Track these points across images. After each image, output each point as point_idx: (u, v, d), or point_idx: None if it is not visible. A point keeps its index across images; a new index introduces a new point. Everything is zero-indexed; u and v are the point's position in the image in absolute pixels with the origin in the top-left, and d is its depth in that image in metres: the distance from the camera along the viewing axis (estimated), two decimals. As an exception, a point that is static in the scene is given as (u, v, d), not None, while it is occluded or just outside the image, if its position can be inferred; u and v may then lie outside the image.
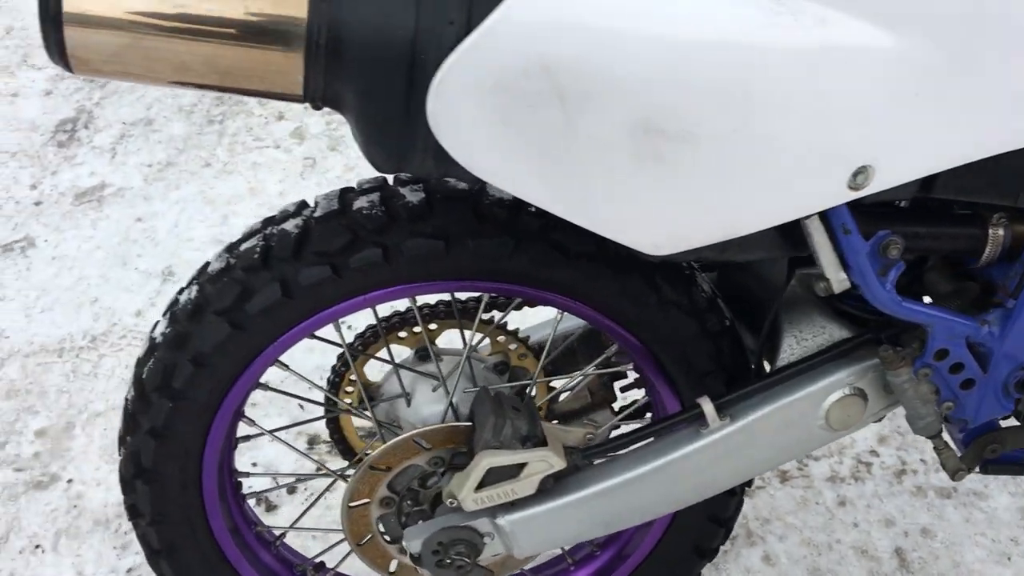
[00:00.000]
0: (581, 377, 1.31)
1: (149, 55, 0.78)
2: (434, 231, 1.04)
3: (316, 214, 1.06)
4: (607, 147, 0.79)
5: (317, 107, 0.85)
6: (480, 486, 1.09)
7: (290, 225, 1.06)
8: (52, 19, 0.74)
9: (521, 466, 1.08)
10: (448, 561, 1.15)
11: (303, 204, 1.10)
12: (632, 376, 1.33)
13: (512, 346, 1.30)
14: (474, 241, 1.04)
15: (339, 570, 1.35)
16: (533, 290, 1.10)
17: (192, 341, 1.07)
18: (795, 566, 1.55)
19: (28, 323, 2.04)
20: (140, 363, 1.11)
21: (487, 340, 1.28)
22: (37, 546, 1.65)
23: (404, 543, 1.16)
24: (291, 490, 1.69)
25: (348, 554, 1.32)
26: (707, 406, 1.10)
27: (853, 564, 1.55)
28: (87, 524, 1.68)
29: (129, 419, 1.13)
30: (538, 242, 1.05)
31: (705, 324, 1.12)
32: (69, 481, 1.74)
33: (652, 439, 1.14)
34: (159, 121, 2.58)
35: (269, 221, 1.10)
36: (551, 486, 1.11)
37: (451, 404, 1.19)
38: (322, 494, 1.35)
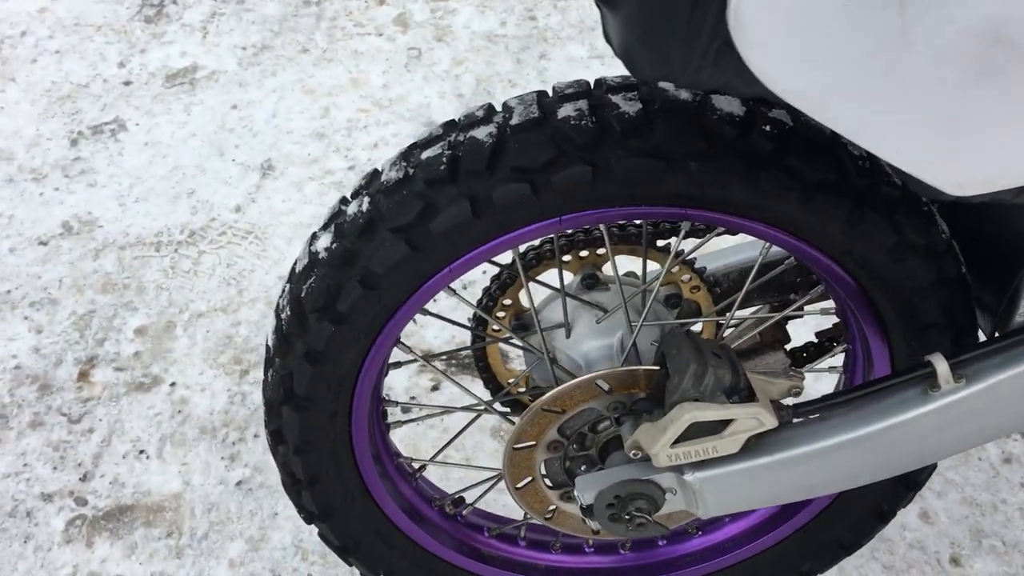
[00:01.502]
0: (765, 316, 1.17)
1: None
2: (653, 149, 0.88)
3: (512, 121, 0.91)
4: (943, 61, 0.63)
5: None
6: (677, 441, 0.96)
7: (481, 133, 0.91)
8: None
9: (725, 422, 0.96)
10: (625, 516, 1.04)
11: (491, 109, 0.95)
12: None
13: (685, 277, 1.16)
14: (697, 163, 0.89)
15: (478, 506, 1.25)
16: (748, 221, 0.95)
17: (362, 260, 0.94)
18: (956, 526, 1.43)
19: (122, 212, 1.93)
20: (297, 279, 0.98)
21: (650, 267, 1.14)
22: (141, 451, 1.57)
23: (576, 493, 1.05)
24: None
25: (488, 490, 1.22)
26: (940, 365, 0.95)
27: (1020, 528, 1.42)
28: (192, 431, 1.59)
29: (282, 340, 1.01)
30: (770, 168, 0.90)
31: (941, 270, 0.97)
32: (172, 384, 1.65)
33: (865, 397, 1.00)
34: (252, 0, 2.41)
35: (451, 126, 0.95)
36: (752, 443, 0.99)
37: (634, 343, 1.06)
38: (466, 427, 1.24)
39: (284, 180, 1.97)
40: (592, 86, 0.93)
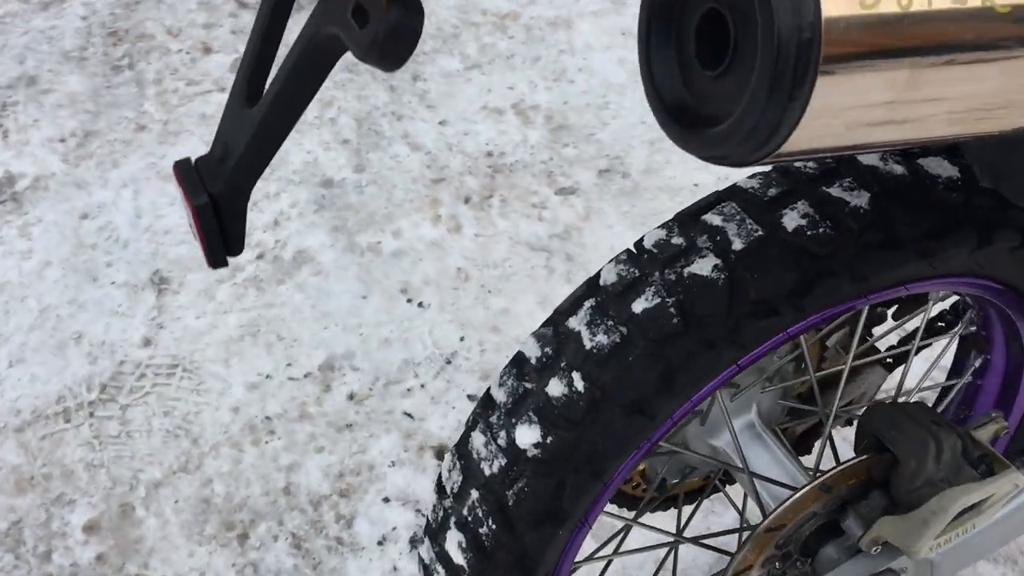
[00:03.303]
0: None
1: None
2: (892, 240, 0.77)
3: (735, 247, 0.76)
4: None
5: None
6: (938, 530, 0.88)
7: (703, 268, 0.75)
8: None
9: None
10: (872, 614, 0.94)
11: (689, 233, 0.79)
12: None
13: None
14: (936, 242, 0.79)
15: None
16: (956, 278, 0.87)
17: (585, 446, 0.76)
18: None
19: (0, 385, 1.55)
20: (488, 486, 0.79)
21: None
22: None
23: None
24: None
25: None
26: None
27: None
28: (212, 630, 1.32)
29: (478, 557, 0.81)
30: (997, 225, 0.82)
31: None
32: (161, 582, 1.36)
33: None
34: (45, 77, 2.00)
35: (635, 259, 0.79)
36: (993, 503, 0.92)
37: (829, 433, 0.95)
38: (618, 541, 1.09)
39: (187, 292, 1.67)
40: (794, 177, 0.80)
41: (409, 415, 1.55)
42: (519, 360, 0.82)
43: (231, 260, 1.70)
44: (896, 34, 0.42)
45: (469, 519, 0.82)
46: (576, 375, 0.76)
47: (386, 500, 1.45)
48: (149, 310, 1.64)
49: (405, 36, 0.49)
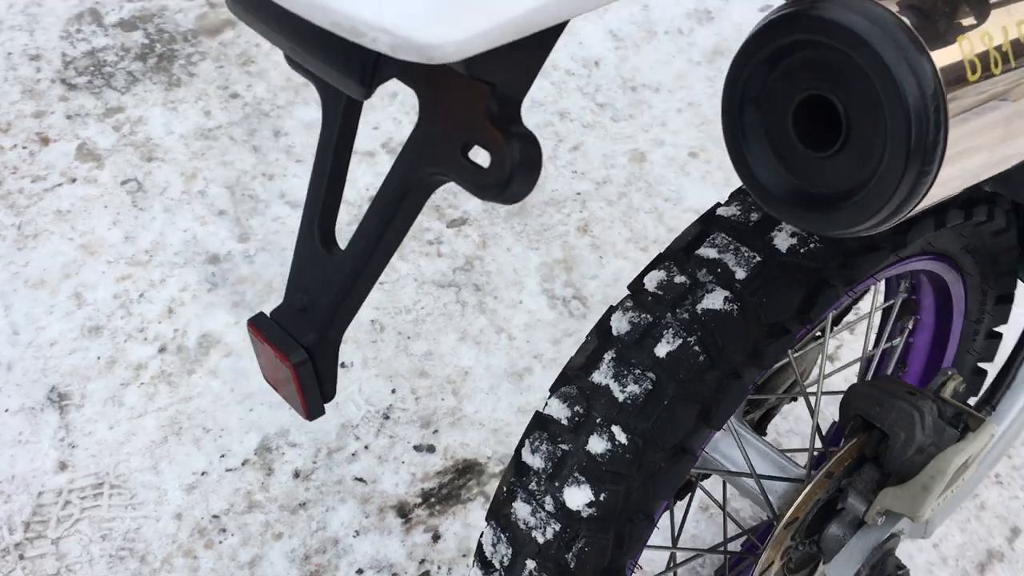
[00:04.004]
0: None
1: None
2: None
3: (739, 276, 0.79)
4: None
5: None
6: (936, 490, 0.95)
7: (714, 303, 0.78)
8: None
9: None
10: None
11: (680, 280, 0.82)
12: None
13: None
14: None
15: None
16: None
17: (636, 496, 0.78)
18: None
19: (-96, 549, 1.40)
20: (554, 547, 0.79)
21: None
22: None
23: (832, 585, 0.99)
24: None
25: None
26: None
27: None
28: None
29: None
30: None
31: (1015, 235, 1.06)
32: None
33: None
34: None
35: (646, 304, 0.81)
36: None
37: (816, 417, 1.01)
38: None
39: (92, 403, 1.56)
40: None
41: (361, 479, 1.51)
42: (545, 422, 0.82)
43: (131, 359, 1.61)
44: (998, 86, 0.46)
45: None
46: (616, 428, 0.78)
47: (360, 572, 1.42)
48: (55, 431, 1.53)
49: (533, 166, 0.48)
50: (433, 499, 1.50)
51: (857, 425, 0.99)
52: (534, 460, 0.82)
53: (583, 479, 0.78)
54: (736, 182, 1.96)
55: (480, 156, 0.52)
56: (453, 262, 1.79)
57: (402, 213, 0.55)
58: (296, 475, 1.51)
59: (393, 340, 1.68)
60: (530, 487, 0.82)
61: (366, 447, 1.55)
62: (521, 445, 0.84)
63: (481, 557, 0.87)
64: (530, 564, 0.82)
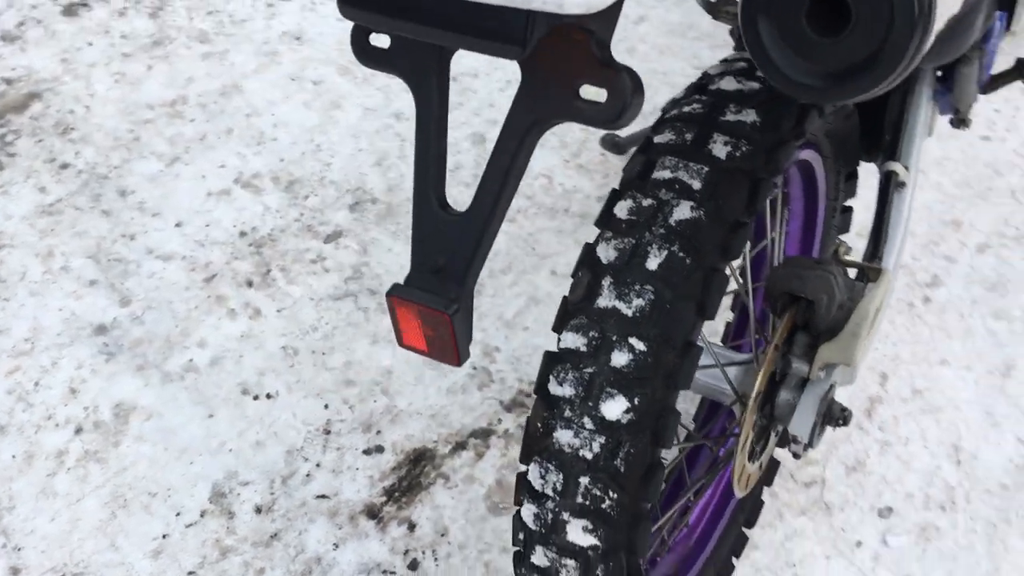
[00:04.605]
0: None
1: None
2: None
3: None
4: None
5: None
6: (859, 336, 1.12)
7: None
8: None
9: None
10: (832, 422, 1.19)
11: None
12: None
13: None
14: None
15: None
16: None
17: (665, 392, 0.90)
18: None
19: None
20: (604, 457, 0.90)
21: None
22: None
23: (797, 441, 1.15)
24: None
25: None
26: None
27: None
28: None
29: (602, 523, 0.92)
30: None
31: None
32: None
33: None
34: None
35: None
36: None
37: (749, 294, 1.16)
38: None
39: (23, 502, 1.49)
40: (696, 119, 0.98)
41: (323, 496, 1.55)
42: (563, 356, 0.92)
43: (48, 448, 1.56)
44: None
45: (586, 502, 0.92)
46: (633, 340, 0.89)
47: (351, 580, 1.46)
48: None
49: (642, 92, 0.58)
50: (397, 493, 1.56)
51: (785, 302, 1.16)
52: (564, 390, 0.92)
53: (615, 391, 0.89)
54: (598, 134, 2.11)
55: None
56: (341, 274, 1.84)
57: (518, 163, 0.63)
58: (258, 510, 1.52)
59: (309, 360, 1.71)
60: (566, 415, 0.91)
61: (317, 465, 1.58)
62: (545, 382, 0.93)
63: (531, 492, 0.96)
64: (584, 480, 0.91)
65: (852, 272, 1.17)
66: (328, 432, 1.62)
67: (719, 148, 0.94)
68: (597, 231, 0.95)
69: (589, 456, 0.91)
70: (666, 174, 0.94)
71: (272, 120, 2.10)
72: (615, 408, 0.89)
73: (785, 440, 1.20)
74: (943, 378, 1.79)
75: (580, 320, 0.92)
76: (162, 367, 1.68)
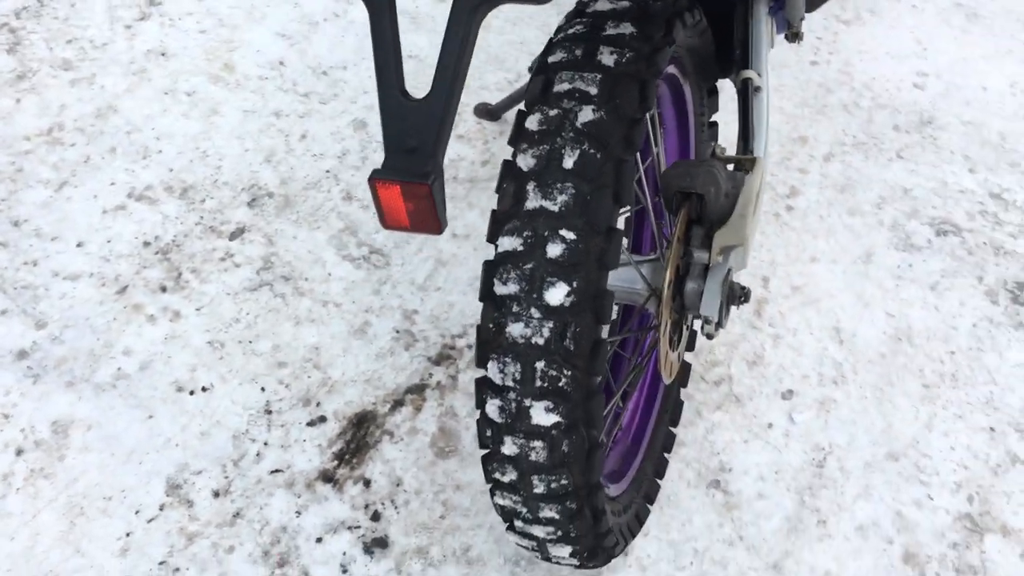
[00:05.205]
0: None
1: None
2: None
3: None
4: None
5: None
6: (746, 217, 1.28)
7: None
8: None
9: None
10: (738, 299, 1.34)
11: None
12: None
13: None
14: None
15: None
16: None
17: (598, 271, 1.02)
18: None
19: None
20: (555, 340, 1.01)
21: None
22: None
23: (708, 322, 1.30)
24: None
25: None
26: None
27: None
28: None
29: (561, 400, 1.04)
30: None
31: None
32: None
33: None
34: None
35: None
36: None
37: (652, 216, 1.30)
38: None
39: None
40: (582, 37, 1.10)
41: (277, 470, 1.61)
42: (502, 259, 1.03)
43: None
44: None
45: (545, 384, 1.03)
46: (563, 231, 1.01)
47: (319, 540, 1.53)
48: None
49: None
50: (347, 456, 1.64)
51: (679, 199, 1.31)
52: (508, 288, 1.03)
53: (555, 279, 1.01)
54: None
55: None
56: (252, 266, 1.89)
57: (468, 46, 0.73)
58: (216, 494, 1.57)
59: (237, 350, 1.76)
60: (514, 310, 1.03)
61: (265, 444, 1.64)
62: (490, 285, 1.04)
63: (493, 388, 1.06)
64: (539, 365, 1.03)
65: (730, 167, 1.33)
66: (270, 412, 1.68)
67: (607, 58, 1.07)
68: (510, 149, 1.07)
69: (541, 342, 1.02)
70: (565, 86, 1.06)
71: (154, 134, 2.12)
72: (557, 294, 1.01)
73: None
74: (816, 273, 1.99)
75: (513, 224, 1.03)
76: (92, 379, 1.70)
